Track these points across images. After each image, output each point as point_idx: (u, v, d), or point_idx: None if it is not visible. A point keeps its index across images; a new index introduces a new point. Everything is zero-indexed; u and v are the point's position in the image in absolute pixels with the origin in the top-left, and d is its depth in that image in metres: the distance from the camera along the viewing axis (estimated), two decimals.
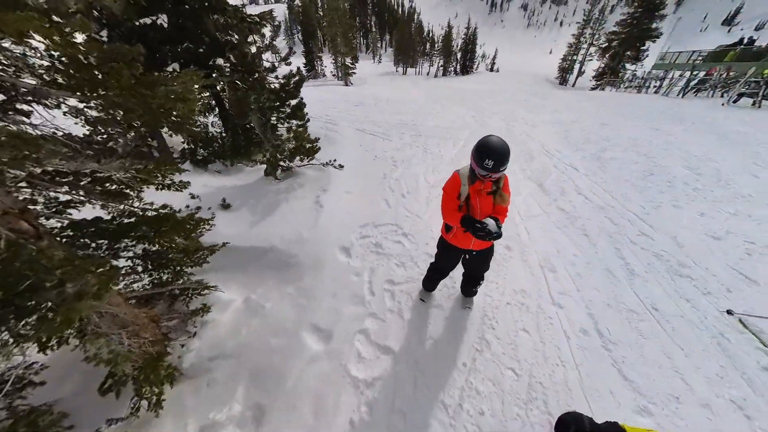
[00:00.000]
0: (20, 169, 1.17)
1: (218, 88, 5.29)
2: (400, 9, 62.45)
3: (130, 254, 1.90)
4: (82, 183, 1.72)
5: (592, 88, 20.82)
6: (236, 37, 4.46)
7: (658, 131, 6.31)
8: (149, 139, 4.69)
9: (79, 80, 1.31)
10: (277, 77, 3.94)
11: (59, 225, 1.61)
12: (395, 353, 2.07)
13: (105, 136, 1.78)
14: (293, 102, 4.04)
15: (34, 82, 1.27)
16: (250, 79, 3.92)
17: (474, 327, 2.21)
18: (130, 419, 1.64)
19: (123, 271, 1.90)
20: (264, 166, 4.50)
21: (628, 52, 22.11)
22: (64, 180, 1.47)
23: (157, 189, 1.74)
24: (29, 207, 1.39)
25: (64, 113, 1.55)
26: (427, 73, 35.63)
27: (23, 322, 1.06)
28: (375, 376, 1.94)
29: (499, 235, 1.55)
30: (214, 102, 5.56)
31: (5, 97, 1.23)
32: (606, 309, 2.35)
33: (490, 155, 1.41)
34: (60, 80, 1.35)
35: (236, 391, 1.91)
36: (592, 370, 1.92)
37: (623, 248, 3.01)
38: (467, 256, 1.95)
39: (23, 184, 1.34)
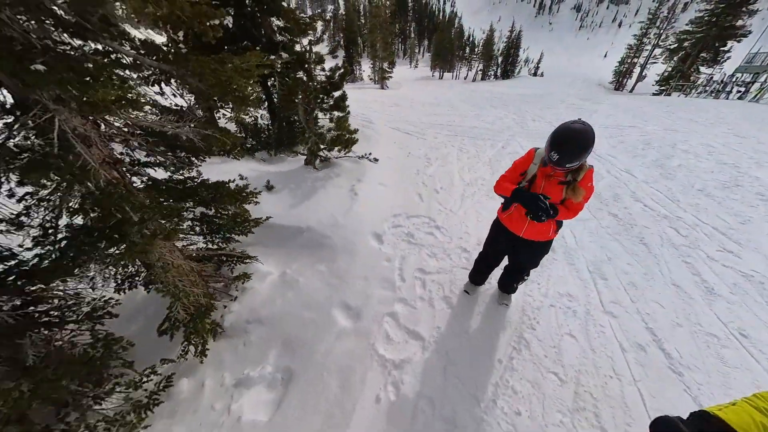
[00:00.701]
0: (115, 120, 1.37)
1: (269, 84, 5.76)
2: (441, 14, 62.19)
3: (191, 216, 2.11)
4: (159, 149, 1.97)
5: (655, 93, 18.59)
6: (289, 36, 4.82)
7: (744, 139, 5.39)
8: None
9: (168, 55, 1.51)
10: (323, 69, 4.15)
11: (140, 181, 1.85)
12: (425, 340, 2.00)
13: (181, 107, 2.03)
14: (336, 94, 4.22)
15: (134, 52, 1.48)
16: (300, 71, 4.18)
17: (512, 325, 2.06)
18: (180, 361, 1.81)
19: (185, 230, 2.12)
20: (304, 157, 4.74)
21: (703, 54, 19.37)
22: (148, 140, 1.68)
23: (219, 154, 1.92)
24: (120, 160, 1.62)
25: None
26: (465, 78, 34.87)
27: (111, 251, 1.22)
28: (403, 359, 1.89)
29: (548, 214, 1.38)
30: (264, 96, 6.07)
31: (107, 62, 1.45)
32: (675, 328, 2.03)
33: (559, 147, 1.16)
34: (152, 56, 1.57)
35: (269, 355, 2.00)
36: (657, 391, 1.66)
37: (697, 263, 2.59)
38: (514, 245, 1.80)
39: (117, 140, 1.56)
